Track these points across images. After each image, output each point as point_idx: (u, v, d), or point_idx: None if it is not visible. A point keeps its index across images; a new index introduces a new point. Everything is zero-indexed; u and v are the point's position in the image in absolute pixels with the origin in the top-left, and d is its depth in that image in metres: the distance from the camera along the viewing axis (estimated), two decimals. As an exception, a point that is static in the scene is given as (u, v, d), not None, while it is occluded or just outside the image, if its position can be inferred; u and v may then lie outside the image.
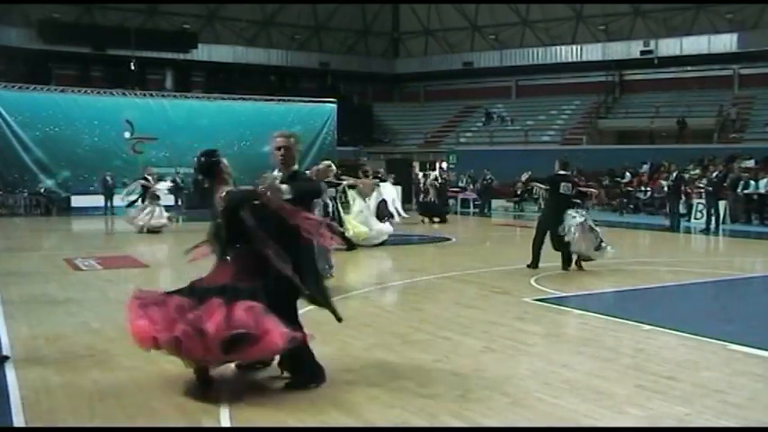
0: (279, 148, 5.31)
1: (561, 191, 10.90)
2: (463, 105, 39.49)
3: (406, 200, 30.17)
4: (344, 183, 14.00)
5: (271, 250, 4.89)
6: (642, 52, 35.19)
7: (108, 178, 25.28)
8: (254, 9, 38.18)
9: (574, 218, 10.67)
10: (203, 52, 36.70)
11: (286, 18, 39.52)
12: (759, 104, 31.78)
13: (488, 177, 27.10)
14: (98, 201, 25.28)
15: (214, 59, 37.06)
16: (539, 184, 12.80)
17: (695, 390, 4.95)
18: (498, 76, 39.16)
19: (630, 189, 26.78)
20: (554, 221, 10.83)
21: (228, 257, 5.07)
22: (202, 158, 5.23)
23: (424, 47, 41.78)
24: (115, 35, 34.53)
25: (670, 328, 6.75)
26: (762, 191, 21.03)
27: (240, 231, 4.97)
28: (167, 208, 19.60)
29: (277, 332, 4.64)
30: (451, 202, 28.08)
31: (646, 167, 28.24)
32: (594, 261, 10.95)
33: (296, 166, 5.38)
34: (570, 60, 37.17)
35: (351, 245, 13.14)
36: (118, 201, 25.65)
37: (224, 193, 5.04)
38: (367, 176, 15.50)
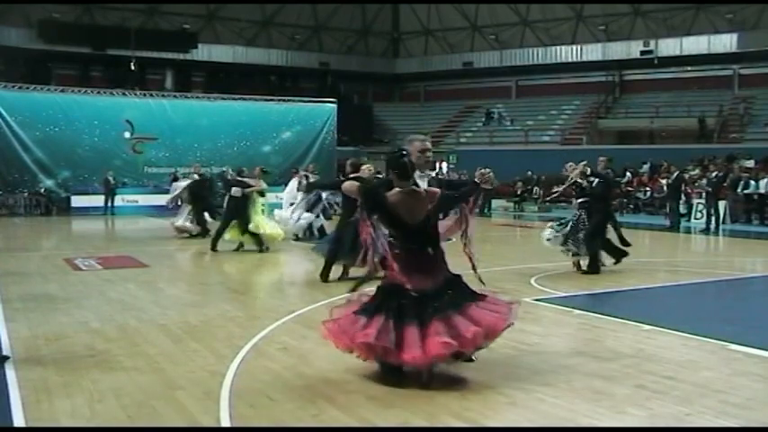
0: (424, 151, 5.60)
1: None
2: (463, 105, 39.50)
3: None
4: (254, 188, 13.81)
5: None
6: (642, 52, 35.20)
7: (110, 178, 25.32)
8: (254, 9, 38.19)
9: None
10: (203, 52, 36.72)
11: (286, 18, 39.52)
12: (759, 104, 31.79)
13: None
14: (98, 201, 25.32)
15: (214, 59, 37.08)
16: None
17: (695, 390, 4.94)
18: (498, 76, 39.18)
19: (630, 189, 26.77)
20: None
21: (430, 252, 5.25)
22: (408, 159, 5.23)
23: (424, 47, 41.78)
24: (115, 35, 34.56)
25: (670, 328, 6.74)
26: (762, 191, 21.03)
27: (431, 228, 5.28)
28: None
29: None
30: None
31: (646, 167, 28.25)
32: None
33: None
34: (570, 60, 37.18)
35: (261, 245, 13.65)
36: (119, 201, 25.83)
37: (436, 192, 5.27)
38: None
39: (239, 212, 13.51)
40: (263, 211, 13.88)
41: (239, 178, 13.88)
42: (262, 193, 13.85)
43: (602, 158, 11.21)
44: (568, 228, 10.77)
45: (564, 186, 11.34)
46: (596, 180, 10.66)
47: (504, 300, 5.40)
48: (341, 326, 5.21)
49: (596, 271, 10.45)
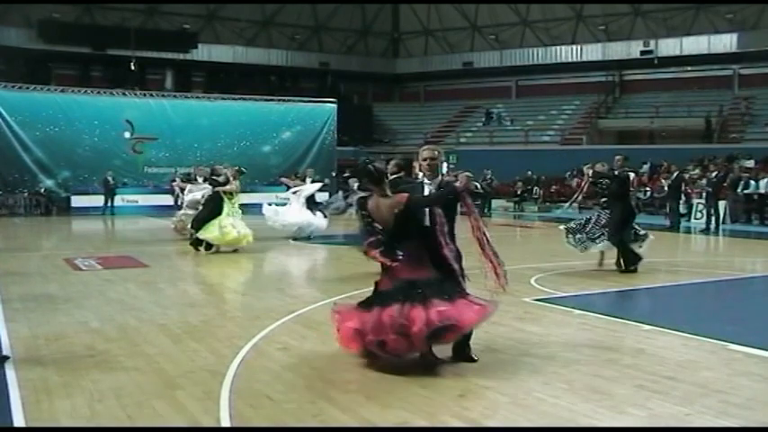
0: (425, 159, 5.79)
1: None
2: (463, 105, 39.50)
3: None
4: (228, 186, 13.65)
5: (444, 243, 5.49)
6: (642, 52, 35.21)
7: (109, 178, 25.32)
8: (254, 9, 38.18)
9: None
10: (203, 52, 36.71)
11: (286, 18, 39.52)
12: (759, 104, 31.79)
13: (488, 177, 27.12)
14: (98, 201, 25.31)
15: (214, 59, 37.07)
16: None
17: (695, 390, 4.94)
18: (498, 76, 39.18)
19: (631, 189, 26.72)
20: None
21: (401, 255, 5.34)
22: (373, 166, 5.47)
23: (424, 47, 41.78)
24: (115, 35, 34.56)
25: (670, 328, 6.74)
26: (762, 191, 21.02)
27: (411, 229, 5.40)
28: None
29: (472, 311, 5.28)
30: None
31: (646, 167, 28.23)
32: (595, 260, 10.97)
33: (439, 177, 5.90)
34: (570, 60, 37.18)
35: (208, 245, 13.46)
36: (119, 201, 25.83)
37: (405, 197, 5.40)
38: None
39: (205, 209, 13.58)
40: (235, 212, 13.72)
41: (213, 177, 13.91)
42: (231, 194, 13.62)
43: (618, 157, 11.30)
44: (582, 222, 10.90)
45: (584, 186, 11.46)
46: (605, 180, 10.80)
47: (477, 303, 5.43)
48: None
49: (633, 268, 10.40)
